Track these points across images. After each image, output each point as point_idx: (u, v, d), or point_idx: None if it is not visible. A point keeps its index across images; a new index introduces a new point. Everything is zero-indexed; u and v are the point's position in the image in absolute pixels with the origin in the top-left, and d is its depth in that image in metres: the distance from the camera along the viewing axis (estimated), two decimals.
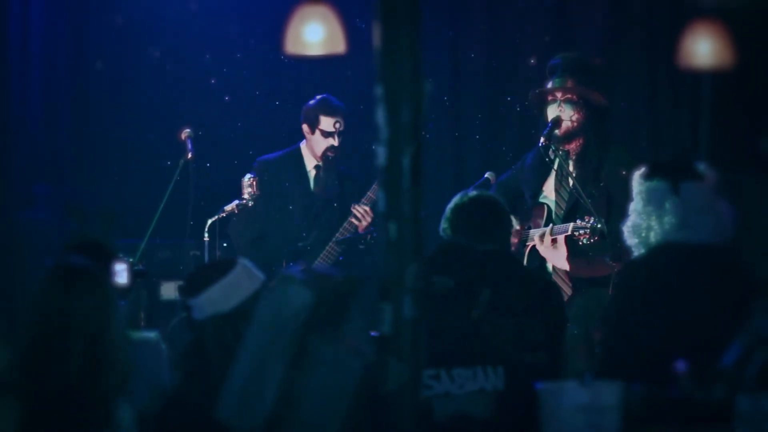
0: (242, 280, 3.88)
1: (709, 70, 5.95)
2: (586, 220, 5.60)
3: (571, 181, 5.86)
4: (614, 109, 6.28)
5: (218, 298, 3.84)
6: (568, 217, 5.82)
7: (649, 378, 3.48)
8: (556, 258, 5.78)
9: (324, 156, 6.79)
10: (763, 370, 3.31)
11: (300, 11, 5.22)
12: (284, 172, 6.87)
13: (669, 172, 4.10)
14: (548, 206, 5.97)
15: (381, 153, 2.79)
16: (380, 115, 2.79)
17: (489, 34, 7.59)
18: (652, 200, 4.08)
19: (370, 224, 6.65)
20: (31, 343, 3.36)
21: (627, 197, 4.28)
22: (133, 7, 7.73)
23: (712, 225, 4.06)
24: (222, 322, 3.83)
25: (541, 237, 5.80)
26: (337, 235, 6.72)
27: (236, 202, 6.64)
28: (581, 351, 5.00)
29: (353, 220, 6.69)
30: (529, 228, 5.99)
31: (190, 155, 6.68)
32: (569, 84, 5.91)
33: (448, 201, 4.61)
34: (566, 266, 5.77)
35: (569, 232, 5.66)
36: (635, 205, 4.14)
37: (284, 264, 6.53)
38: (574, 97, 5.90)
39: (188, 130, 6.78)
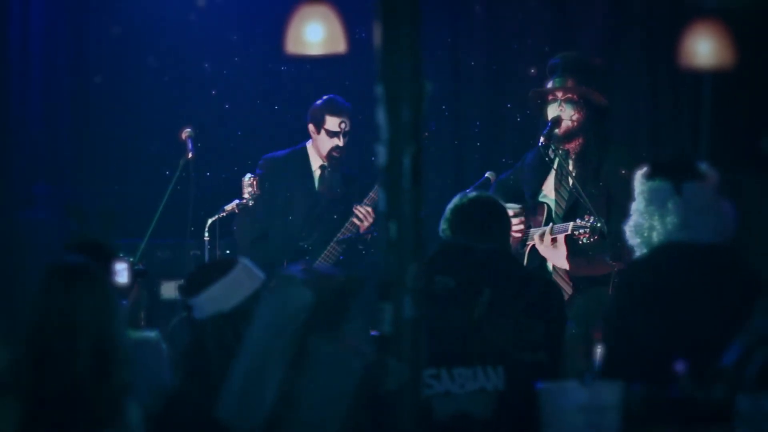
0: (242, 279, 3.88)
1: (710, 69, 5.95)
2: (586, 219, 5.60)
3: (571, 181, 5.85)
4: (614, 109, 6.28)
5: (218, 297, 3.84)
6: (567, 217, 5.82)
7: (652, 378, 3.48)
8: (556, 257, 5.78)
9: (329, 156, 6.81)
10: (763, 370, 3.31)
11: (300, 11, 5.22)
12: (289, 170, 6.89)
13: (671, 172, 4.10)
14: (548, 205, 5.97)
15: (381, 153, 2.79)
16: (381, 115, 2.79)
17: (489, 33, 7.59)
18: (655, 200, 4.08)
19: (372, 225, 6.66)
20: (35, 343, 3.36)
21: (627, 197, 4.28)
22: (134, 8, 7.73)
23: (714, 225, 4.06)
24: (222, 322, 3.83)
25: (541, 236, 5.80)
26: (338, 235, 6.73)
27: (236, 201, 6.64)
28: (581, 350, 5.00)
29: (355, 220, 6.70)
30: (529, 227, 5.99)
31: (190, 155, 6.69)
32: (569, 83, 5.91)
33: (449, 201, 4.61)
34: (566, 265, 5.77)
35: (569, 232, 5.66)
36: (637, 205, 4.14)
37: (285, 263, 6.53)
38: (575, 96, 5.90)
39: (188, 129, 6.79)
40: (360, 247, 6.77)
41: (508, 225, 4.67)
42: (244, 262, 3.95)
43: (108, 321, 3.41)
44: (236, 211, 6.65)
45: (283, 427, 3.59)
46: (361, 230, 6.70)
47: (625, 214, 4.23)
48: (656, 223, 4.06)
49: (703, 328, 3.90)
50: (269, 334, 3.60)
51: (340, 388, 3.61)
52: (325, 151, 6.81)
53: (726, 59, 5.69)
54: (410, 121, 2.79)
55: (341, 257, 6.73)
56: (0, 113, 7.53)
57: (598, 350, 3.20)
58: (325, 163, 6.85)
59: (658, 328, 3.94)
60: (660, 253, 4.06)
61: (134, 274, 4.61)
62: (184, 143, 6.74)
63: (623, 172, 5.57)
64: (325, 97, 6.84)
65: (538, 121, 6.10)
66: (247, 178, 6.62)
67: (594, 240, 5.58)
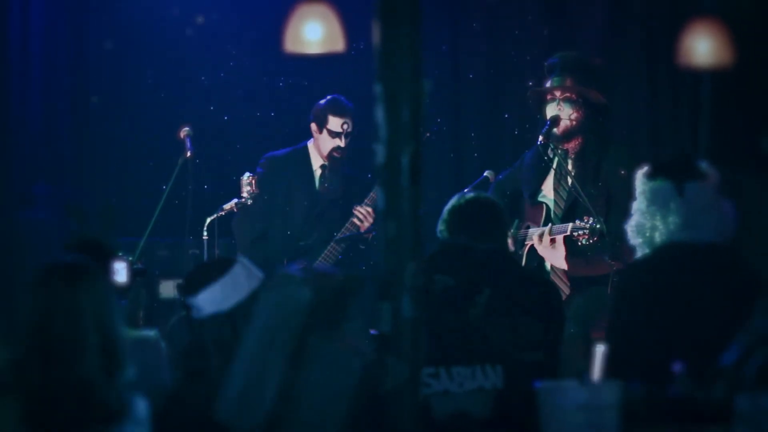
0: (241, 278, 3.88)
1: (709, 69, 5.95)
2: (585, 220, 5.59)
3: (570, 180, 5.85)
4: (613, 109, 6.28)
5: (217, 296, 3.84)
6: (566, 216, 5.82)
7: (655, 377, 3.48)
8: (555, 257, 5.78)
9: (330, 156, 6.80)
10: (762, 370, 3.30)
11: (299, 10, 5.22)
12: (290, 169, 6.89)
13: (672, 172, 4.10)
14: (547, 205, 5.96)
15: (380, 152, 2.79)
16: (380, 114, 2.79)
17: (489, 33, 7.59)
18: (656, 200, 4.08)
19: (372, 225, 6.66)
20: (39, 343, 3.36)
21: (626, 196, 4.28)
22: (134, 7, 7.73)
23: (715, 224, 4.06)
24: (221, 321, 3.83)
25: (540, 236, 5.80)
26: (338, 234, 6.73)
27: (235, 200, 6.64)
28: (580, 350, 5.00)
29: (355, 221, 6.70)
30: (528, 227, 5.99)
31: (189, 154, 6.69)
32: (568, 83, 5.91)
33: (448, 199, 4.61)
34: (565, 266, 5.77)
35: (568, 233, 5.66)
36: (638, 205, 4.13)
37: (285, 262, 6.53)
38: (573, 95, 5.90)
39: (187, 128, 6.79)
40: (361, 246, 6.77)
41: (507, 225, 4.67)
42: (243, 261, 3.94)
43: (109, 319, 3.41)
44: (235, 210, 6.65)
45: (283, 426, 3.59)
46: (361, 230, 6.70)
47: (624, 214, 4.23)
48: (658, 223, 4.06)
49: (704, 328, 3.91)
50: (268, 333, 3.60)
51: (340, 387, 3.61)
52: (326, 150, 6.80)
53: (725, 59, 5.69)
54: (409, 120, 2.79)
55: (341, 257, 6.73)
56: (0, 113, 7.53)
57: (598, 350, 3.20)
58: (326, 163, 6.85)
59: (660, 327, 3.94)
60: (662, 253, 4.06)
61: (133, 273, 4.61)
62: (182, 142, 6.74)
63: (622, 171, 5.57)
64: (328, 97, 6.84)
65: (537, 120, 6.10)
66: (246, 177, 6.62)
67: (593, 241, 5.58)
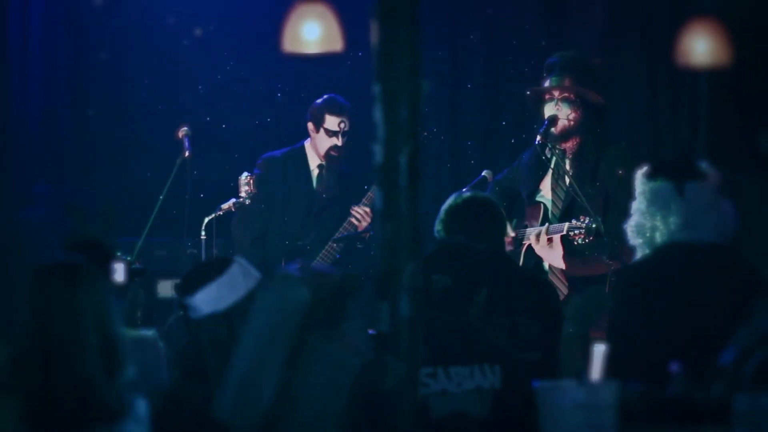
0: (239, 278, 3.88)
1: (708, 69, 5.95)
2: (581, 220, 5.58)
3: (567, 180, 5.86)
4: (612, 109, 6.28)
5: (215, 296, 3.84)
6: (564, 216, 5.82)
7: (655, 377, 3.48)
8: (552, 257, 5.78)
9: (327, 155, 6.80)
10: (760, 369, 3.31)
11: (297, 9, 5.22)
12: (287, 169, 6.88)
13: (672, 172, 4.10)
14: (545, 205, 5.96)
15: (378, 151, 2.79)
16: (378, 114, 2.79)
17: (488, 32, 7.59)
18: (657, 200, 4.08)
19: (369, 225, 6.65)
20: (39, 342, 3.36)
21: (624, 196, 4.28)
22: (134, 7, 7.73)
23: (716, 224, 4.06)
24: (219, 321, 3.83)
25: (537, 236, 5.80)
26: (336, 234, 6.73)
27: (233, 200, 6.64)
28: (578, 349, 5.00)
29: (353, 220, 6.70)
30: (526, 227, 5.99)
31: (187, 154, 6.69)
32: (566, 82, 5.90)
33: (446, 199, 4.60)
34: (562, 265, 5.77)
35: (564, 232, 5.65)
36: (638, 205, 4.13)
37: (283, 262, 6.53)
38: (572, 95, 5.89)
39: (185, 128, 6.79)
40: (359, 245, 6.76)
41: (504, 224, 4.66)
42: (240, 261, 3.94)
43: (109, 318, 3.41)
44: (233, 209, 6.65)
45: (281, 425, 3.59)
46: (359, 230, 6.69)
47: (622, 214, 4.23)
48: (659, 224, 4.06)
49: (705, 328, 3.91)
50: (266, 332, 3.60)
51: (338, 387, 3.61)
52: (323, 150, 6.80)
53: (724, 58, 5.68)
54: (408, 120, 2.79)
55: (338, 256, 6.73)
56: (0, 113, 7.53)
57: (596, 349, 3.20)
58: (323, 163, 6.84)
59: (661, 327, 3.94)
60: (662, 253, 4.06)
61: (131, 272, 4.61)
62: (180, 142, 6.75)
63: (620, 171, 5.57)
64: (325, 96, 6.83)
65: (535, 119, 6.10)
66: (244, 177, 6.61)
67: (589, 240, 5.58)
